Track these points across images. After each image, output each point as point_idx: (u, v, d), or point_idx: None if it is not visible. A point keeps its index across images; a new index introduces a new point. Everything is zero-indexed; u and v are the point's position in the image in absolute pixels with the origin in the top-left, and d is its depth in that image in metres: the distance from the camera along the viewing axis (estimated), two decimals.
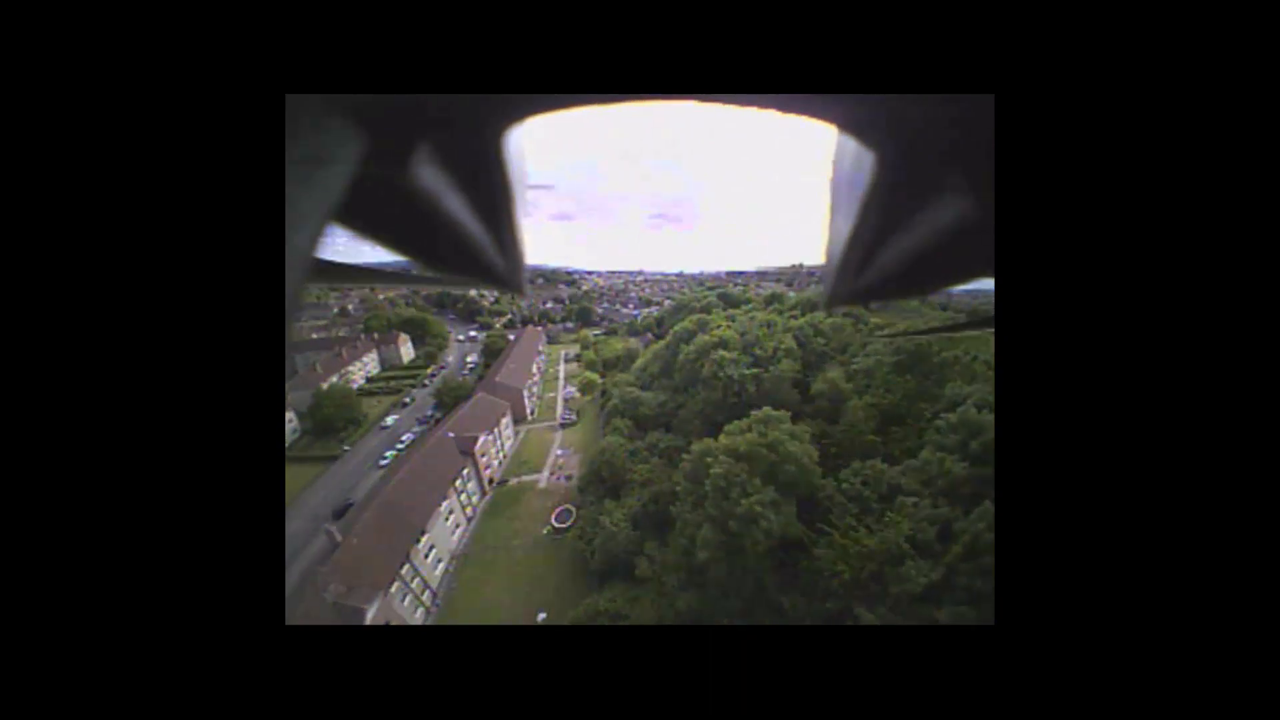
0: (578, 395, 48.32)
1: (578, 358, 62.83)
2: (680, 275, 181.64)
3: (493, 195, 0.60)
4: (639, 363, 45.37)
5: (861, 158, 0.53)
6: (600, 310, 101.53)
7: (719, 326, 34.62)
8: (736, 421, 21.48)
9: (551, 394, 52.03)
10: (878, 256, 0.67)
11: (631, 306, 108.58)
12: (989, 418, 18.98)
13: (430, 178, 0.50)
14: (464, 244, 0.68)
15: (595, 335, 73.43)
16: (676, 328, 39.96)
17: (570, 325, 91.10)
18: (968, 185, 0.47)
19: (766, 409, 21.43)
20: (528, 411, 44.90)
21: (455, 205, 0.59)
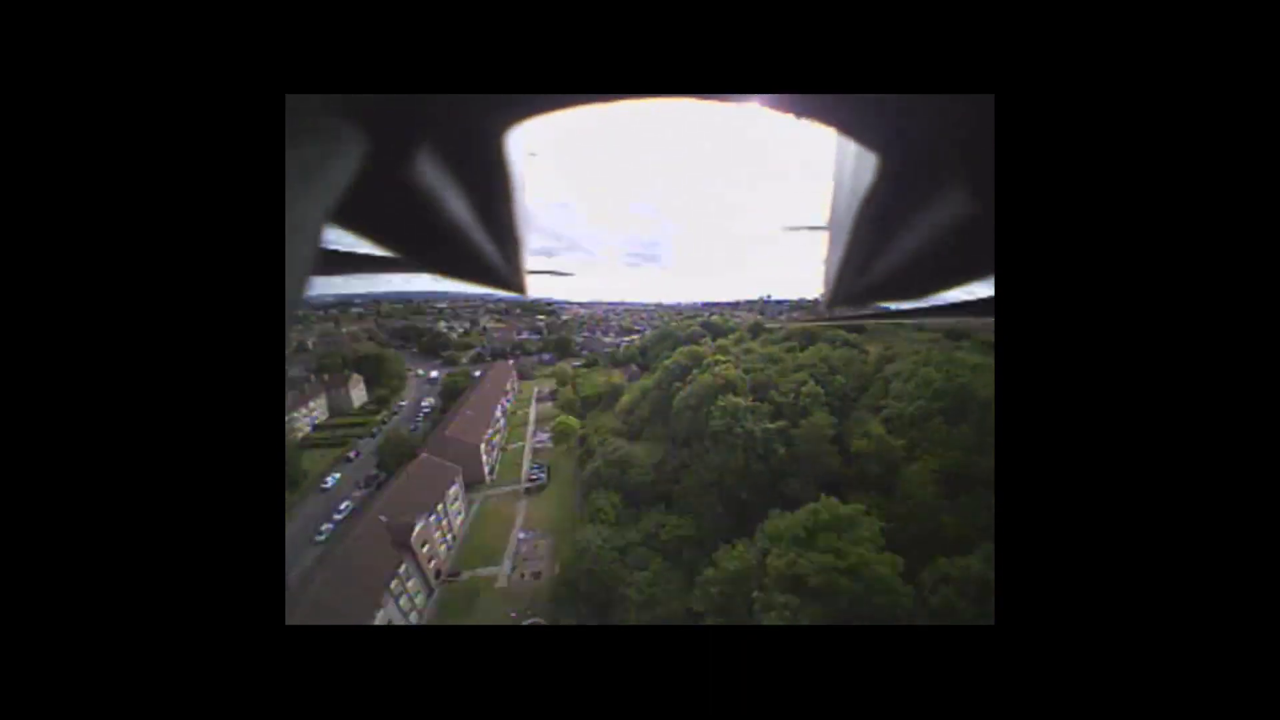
0: (550, 445, 40.33)
1: (553, 395, 55.21)
2: (659, 305, 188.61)
3: (493, 196, 0.60)
4: (624, 401, 39.10)
5: (862, 158, 0.54)
6: (579, 340, 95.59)
7: (718, 362, 29.25)
8: (783, 515, 15.49)
9: (519, 443, 43.59)
10: (879, 257, 0.67)
11: (613, 335, 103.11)
12: None
13: (431, 178, 0.51)
14: (465, 244, 0.68)
15: (575, 367, 66.24)
16: (667, 362, 34.46)
17: (547, 357, 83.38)
18: (968, 185, 0.48)
19: (829, 501, 15.34)
20: (485, 473, 36.38)
21: (456, 205, 0.59)
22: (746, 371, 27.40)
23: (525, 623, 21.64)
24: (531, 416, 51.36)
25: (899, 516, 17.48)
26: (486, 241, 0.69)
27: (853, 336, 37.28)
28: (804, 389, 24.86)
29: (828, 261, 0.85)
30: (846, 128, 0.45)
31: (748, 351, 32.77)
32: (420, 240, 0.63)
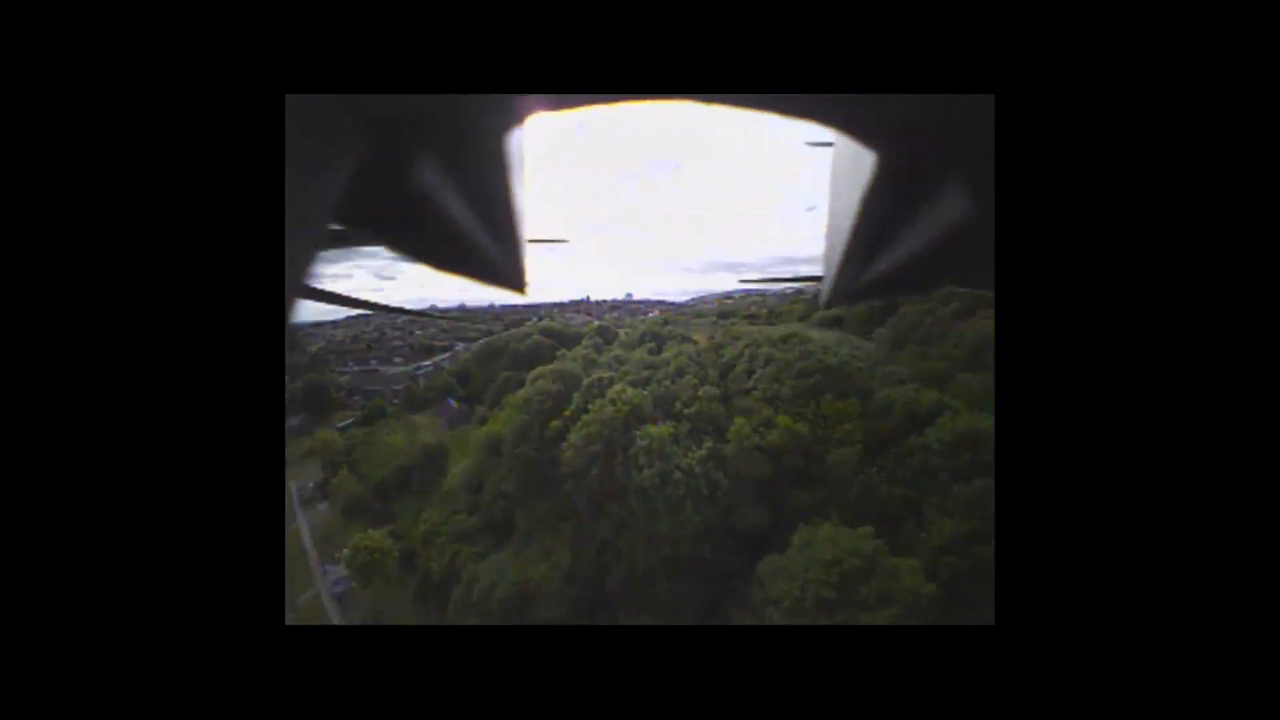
0: (355, 586, 23.31)
1: (324, 491, 33.25)
2: (463, 308, 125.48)
3: (493, 194, 0.61)
4: (459, 471, 27.01)
5: (862, 158, 0.55)
6: (345, 377, 64.16)
7: (605, 381, 23.85)
8: (774, 564, 12.24)
9: (310, 592, 25.12)
10: (879, 255, 0.69)
11: (401, 361, 73.34)
12: (984, 421, 16.59)
13: (431, 177, 0.52)
14: (465, 243, 0.69)
15: (342, 430, 41.47)
16: (524, 393, 25.81)
17: (295, 423, 50.66)
18: (967, 185, 0.50)
19: (828, 527, 12.88)
20: None
21: (456, 204, 0.60)
22: (635, 383, 23.20)
23: None
24: (306, 540, 29.65)
25: (849, 507, 17.23)
26: (486, 238, 0.67)
27: (681, 330, 38.10)
28: (700, 391, 22.67)
29: (827, 258, 0.83)
30: (846, 127, 0.46)
31: (621, 361, 28.31)
32: (419, 239, 0.62)
